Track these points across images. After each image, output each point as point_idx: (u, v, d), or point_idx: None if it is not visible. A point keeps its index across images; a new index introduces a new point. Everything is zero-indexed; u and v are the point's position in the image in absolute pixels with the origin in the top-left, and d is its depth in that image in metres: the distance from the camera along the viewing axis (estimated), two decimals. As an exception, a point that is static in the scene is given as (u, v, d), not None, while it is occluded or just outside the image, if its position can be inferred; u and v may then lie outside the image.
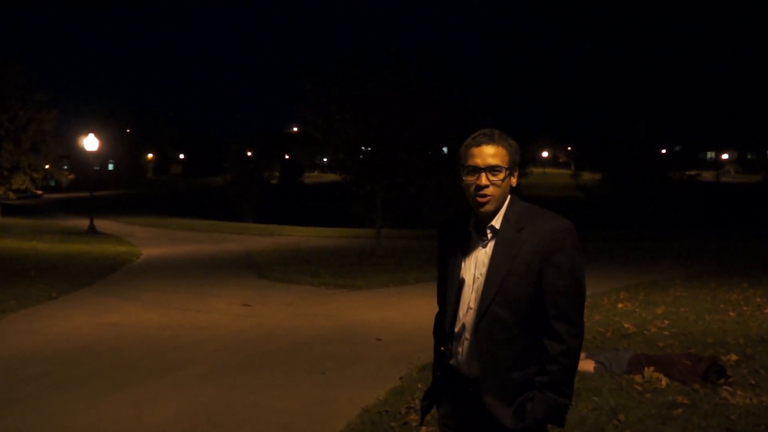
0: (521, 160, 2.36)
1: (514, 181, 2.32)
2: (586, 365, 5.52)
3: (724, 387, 5.02)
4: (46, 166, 31.13)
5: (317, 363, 6.51)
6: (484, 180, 2.24)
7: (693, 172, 35.25)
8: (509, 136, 2.31)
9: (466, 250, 2.35)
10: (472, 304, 2.29)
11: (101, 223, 28.27)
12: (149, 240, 23.47)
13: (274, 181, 60.63)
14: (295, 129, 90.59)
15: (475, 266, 2.31)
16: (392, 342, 7.44)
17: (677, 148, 37.15)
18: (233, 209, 47.18)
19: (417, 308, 9.53)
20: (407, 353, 6.71)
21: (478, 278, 2.29)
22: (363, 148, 17.99)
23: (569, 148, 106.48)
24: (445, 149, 20.08)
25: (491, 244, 2.28)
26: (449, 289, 2.39)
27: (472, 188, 2.26)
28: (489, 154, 2.25)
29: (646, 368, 5.36)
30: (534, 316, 2.24)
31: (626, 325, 7.61)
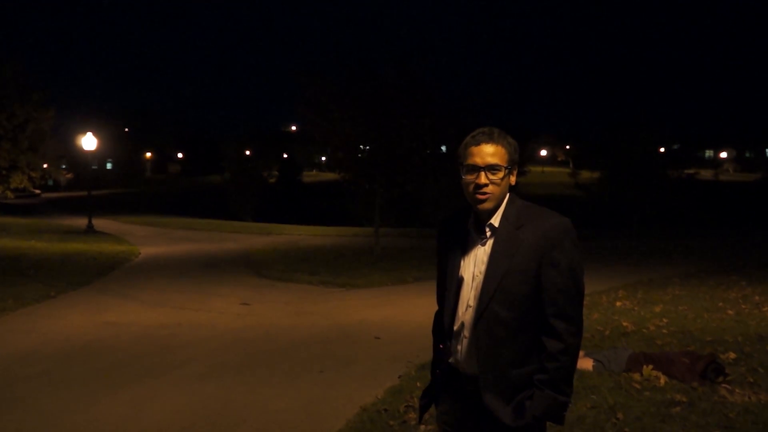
0: (520, 159, 2.36)
1: (513, 179, 2.32)
2: (585, 363, 5.53)
3: (723, 385, 5.03)
4: (44, 165, 31.06)
5: (316, 362, 6.51)
6: (483, 178, 2.24)
7: (691, 171, 35.27)
8: (508, 135, 2.32)
9: (466, 249, 2.35)
10: (471, 302, 2.30)
11: (100, 222, 28.25)
12: (148, 239, 23.46)
13: (272, 180, 60.54)
14: (294, 128, 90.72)
15: (474, 264, 2.31)
16: (391, 341, 7.44)
17: (676, 147, 37.08)
18: (232, 208, 47.12)
19: (416, 307, 9.54)
20: (406, 352, 6.71)
21: (477, 276, 2.29)
22: (362, 146, 18.00)
23: (568, 147, 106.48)
24: (443, 148, 20.09)
25: (490, 243, 2.29)
26: (448, 287, 2.39)
27: (472, 187, 2.26)
28: (488, 152, 2.25)
29: (644, 366, 5.36)
30: (533, 314, 2.24)
31: (625, 324, 7.62)
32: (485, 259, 2.28)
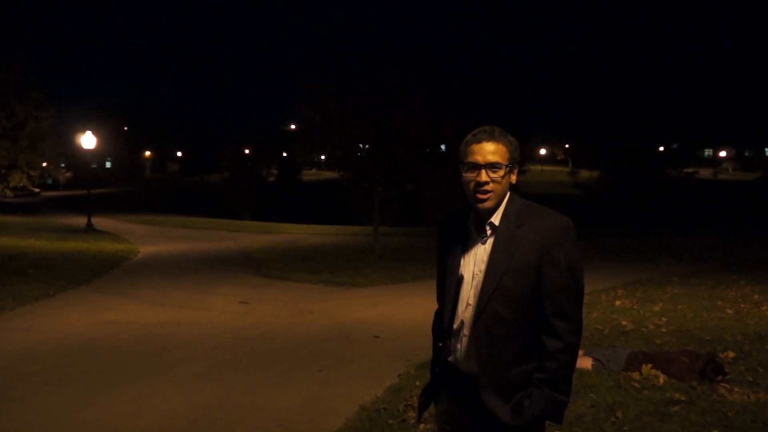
0: (519, 158, 2.36)
1: (513, 178, 2.32)
2: (584, 362, 5.53)
3: (722, 384, 5.03)
4: (44, 164, 31.07)
5: (315, 360, 6.51)
6: (484, 177, 2.24)
7: (690, 170, 35.34)
8: (509, 134, 2.32)
9: (466, 247, 2.35)
10: (471, 301, 2.30)
11: (99, 221, 28.23)
12: (147, 238, 23.45)
13: (271, 179, 60.58)
14: (293, 126, 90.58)
15: (474, 263, 2.31)
16: (390, 339, 7.44)
17: (675, 146, 37.14)
18: (231, 207, 47.13)
19: (415, 306, 9.53)
20: (405, 351, 6.71)
21: (477, 275, 2.29)
22: (361, 145, 17.99)
23: (567, 146, 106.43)
24: (443, 147, 20.09)
25: (490, 241, 2.29)
26: (448, 285, 2.39)
27: (472, 185, 2.26)
28: (489, 151, 2.25)
29: (643, 365, 5.37)
30: (533, 313, 2.24)
31: (624, 323, 7.62)
32: (485, 257, 2.28)
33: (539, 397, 2.21)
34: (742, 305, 8.92)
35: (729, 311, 8.47)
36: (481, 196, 2.26)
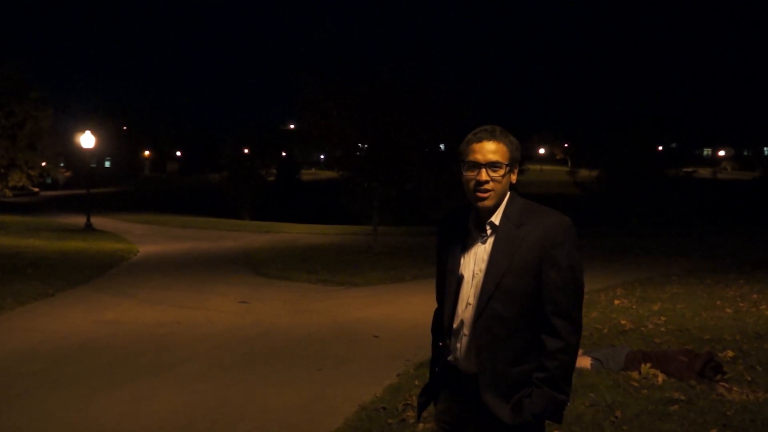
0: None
1: (514, 177, 2.32)
2: (583, 362, 5.53)
3: (721, 383, 5.04)
4: (43, 164, 31.05)
5: (314, 360, 6.51)
6: (484, 176, 2.24)
7: (689, 169, 35.36)
8: (510, 133, 2.32)
9: (466, 247, 2.35)
10: (471, 300, 2.30)
11: (98, 221, 28.21)
12: (146, 237, 23.44)
13: (271, 179, 60.52)
14: (293, 126, 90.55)
15: (474, 262, 2.31)
16: (389, 339, 7.44)
17: (674, 145, 37.18)
18: (230, 206, 47.12)
19: (414, 305, 9.54)
20: (404, 350, 6.72)
21: (477, 274, 2.29)
22: (360, 145, 17.98)
23: (566, 145, 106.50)
24: (442, 146, 20.09)
25: (490, 241, 2.29)
26: (448, 285, 2.39)
27: (472, 184, 2.26)
28: (490, 150, 2.25)
29: (642, 365, 5.37)
30: (532, 312, 2.24)
31: (623, 322, 7.63)
32: (485, 257, 2.28)
33: (539, 397, 2.21)
34: (741, 304, 8.92)
35: (728, 310, 8.47)
36: (481, 195, 2.26)
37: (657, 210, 31.82)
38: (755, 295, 9.66)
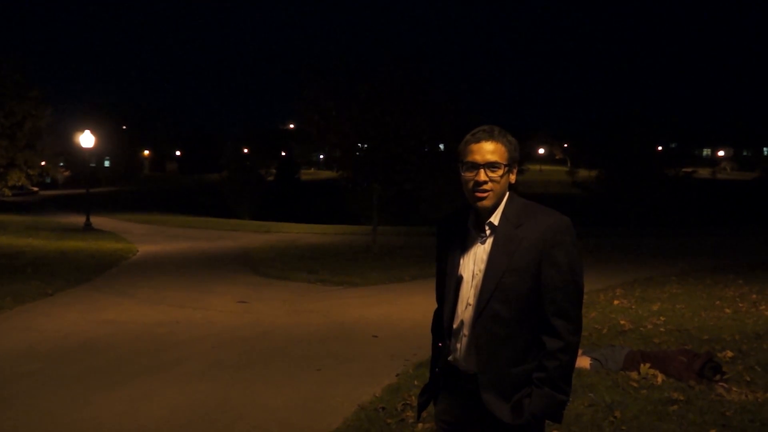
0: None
1: (513, 178, 2.32)
2: (583, 362, 5.53)
3: (720, 383, 5.04)
4: (42, 163, 31.01)
5: (314, 360, 6.51)
6: (482, 176, 2.24)
7: (689, 169, 35.29)
8: (508, 133, 2.31)
9: (465, 247, 2.35)
10: (471, 301, 2.30)
11: (97, 220, 28.19)
12: (145, 237, 23.43)
13: (270, 178, 60.47)
14: (292, 126, 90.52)
15: (474, 263, 2.31)
16: (388, 339, 7.44)
17: (673, 145, 37.13)
18: (229, 206, 47.06)
19: (413, 305, 9.54)
20: (404, 350, 6.72)
21: (476, 275, 2.29)
22: (359, 144, 17.99)
23: (565, 145, 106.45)
24: (441, 146, 20.10)
25: (490, 241, 2.29)
26: (448, 285, 2.39)
27: (471, 184, 2.26)
28: (488, 150, 2.25)
29: (642, 365, 5.37)
30: (532, 313, 2.24)
31: (622, 322, 7.63)
32: (485, 257, 2.28)
33: (539, 397, 2.21)
34: (741, 305, 8.93)
35: (727, 311, 8.48)
36: (479, 195, 2.26)
37: (656, 210, 31.81)
38: (754, 296, 9.67)
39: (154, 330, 8.03)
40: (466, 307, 2.32)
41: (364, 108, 16.88)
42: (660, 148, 34.68)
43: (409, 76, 17.16)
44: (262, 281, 12.52)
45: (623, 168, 32.04)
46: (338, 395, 5.32)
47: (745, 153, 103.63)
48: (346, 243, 21.20)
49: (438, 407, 2.48)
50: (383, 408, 4.82)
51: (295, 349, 7.07)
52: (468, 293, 2.31)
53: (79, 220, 27.92)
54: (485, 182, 2.24)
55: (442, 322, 2.42)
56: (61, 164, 56.65)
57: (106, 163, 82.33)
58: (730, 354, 5.93)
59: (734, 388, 4.94)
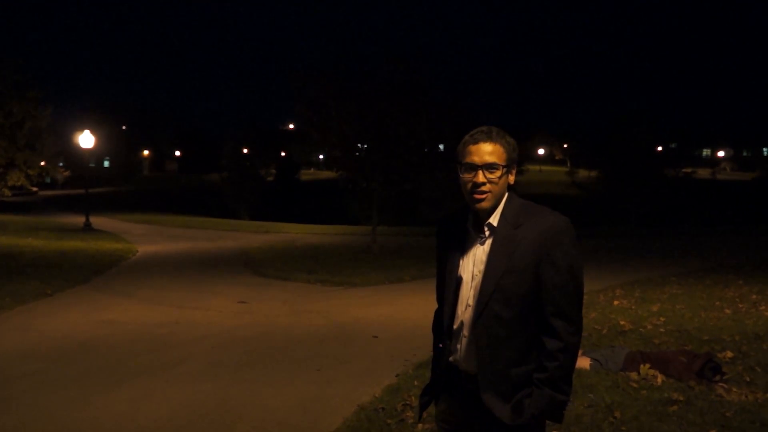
0: (517, 158, 2.36)
1: (512, 178, 2.32)
2: (583, 362, 5.53)
3: (720, 384, 5.04)
4: (42, 163, 31.00)
5: (313, 360, 6.51)
6: (481, 177, 2.23)
7: (689, 170, 35.38)
8: (507, 134, 2.31)
9: (464, 248, 2.35)
10: (471, 302, 2.30)
11: (97, 220, 28.21)
12: (145, 237, 23.44)
13: (270, 179, 60.53)
14: (292, 126, 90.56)
15: (473, 264, 2.31)
16: (388, 339, 7.44)
17: (673, 146, 37.19)
18: (229, 206, 47.11)
19: (413, 305, 9.54)
20: (403, 350, 6.72)
21: (476, 276, 2.29)
22: (359, 145, 17.99)
23: (565, 146, 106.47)
24: (441, 146, 20.10)
25: (489, 242, 2.28)
26: (447, 286, 2.39)
27: (470, 185, 2.26)
28: (486, 151, 2.25)
29: (641, 365, 5.37)
30: (532, 313, 2.24)
31: (622, 322, 7.63)
32: (484, 258, 2.28)
33: (539, 397, 2.21)
34: (740, 305, 8.92)
35: (727, 311, 8.48)
36: (478, 197, 2.25)
37: (656, 210, 31.85)
38: (754, 296, 9.66)
39: (154, 330, 8.03)
40: (465, 308, 2.31)
41: (364, 108, 16.87)
42: (660, 148, 34.72)
43: (409, 76, 17.15)
44: (261, 281, 12.52)
45: (623, 168, 32.09)
46: (338, 395, 5.32)
47: (744, 153, 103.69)
48: (346, 243, 21.20)
49: (439, 408, 2.48)
50: (383, 408, 4.82)
51: (295, 349, 7.07)
52: (468, 294, 2.31)
53: (79, 220, 27.93)
54: (483, 184, 2.24)
55: (443, 323, 2.42)
56: (61, 164, 56.63)
57: (106, 164, 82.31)
58: (730, 354, 5.93)
59: (734, 389, 4.94)
